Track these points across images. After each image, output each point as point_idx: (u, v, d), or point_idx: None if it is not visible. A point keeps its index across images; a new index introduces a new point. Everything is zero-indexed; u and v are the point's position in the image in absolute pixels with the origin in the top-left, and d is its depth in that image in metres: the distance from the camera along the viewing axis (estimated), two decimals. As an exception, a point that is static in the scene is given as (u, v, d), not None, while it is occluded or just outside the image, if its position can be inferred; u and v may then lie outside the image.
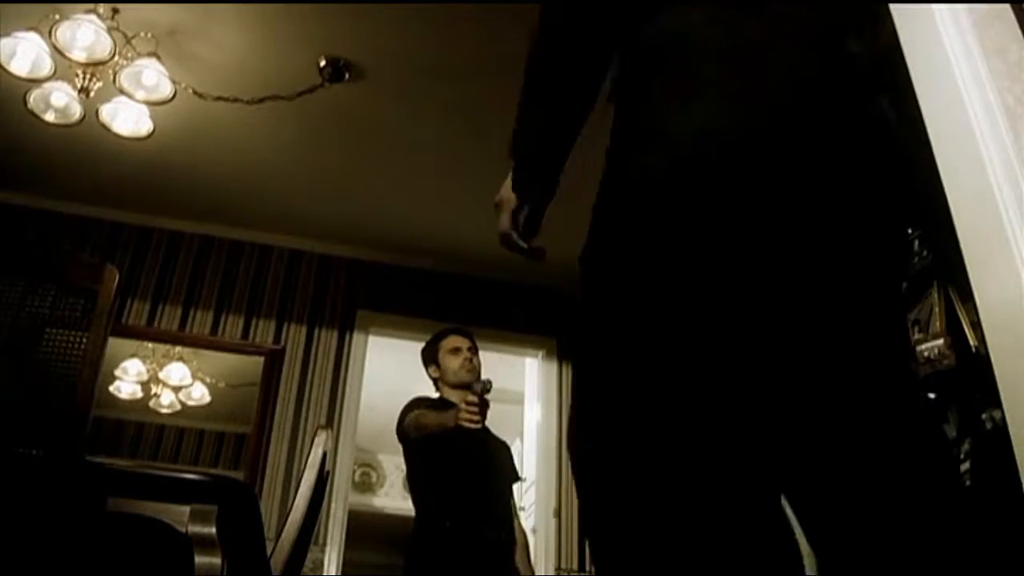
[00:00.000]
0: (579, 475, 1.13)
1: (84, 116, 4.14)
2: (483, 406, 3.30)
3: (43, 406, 2.09)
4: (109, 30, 3.86)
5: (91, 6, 3.89)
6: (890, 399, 1.09)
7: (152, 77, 4.08)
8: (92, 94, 4.06)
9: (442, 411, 3.54)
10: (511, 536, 3.64)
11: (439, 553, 3.45)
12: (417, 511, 3.65)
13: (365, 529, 8.34)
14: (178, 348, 5.87)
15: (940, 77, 2.25)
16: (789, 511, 1.12)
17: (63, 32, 3.84)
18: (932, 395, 2.96)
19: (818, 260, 1.09)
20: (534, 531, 5.26)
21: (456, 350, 3.79)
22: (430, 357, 3.85)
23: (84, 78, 4.02)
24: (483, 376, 3.68)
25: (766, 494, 1.08)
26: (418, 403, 3.73)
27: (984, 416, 2.78)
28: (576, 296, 1.21)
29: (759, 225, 1.06)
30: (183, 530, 1.50)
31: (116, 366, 5.79)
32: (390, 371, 6.94)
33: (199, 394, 6.07)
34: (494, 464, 3.74)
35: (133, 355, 5.85)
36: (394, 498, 8.92)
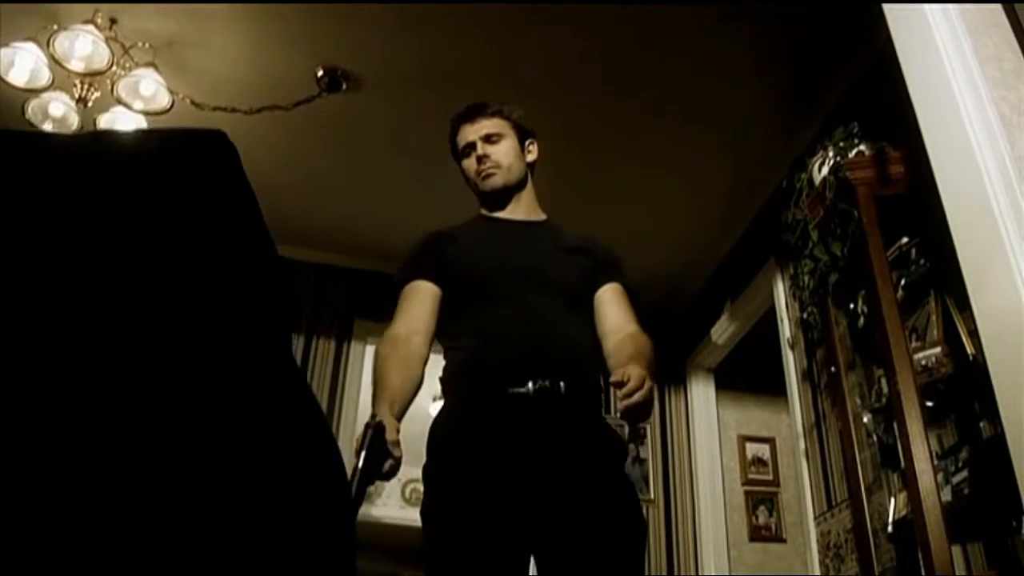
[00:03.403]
0: None
1: (82, 126, 4.14)
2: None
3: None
4: (107, 40, 3.87)
5: (89, 15, 3.90)
6: None
7: (150, 87, 4.09)
8: (90, 104, 4.07)
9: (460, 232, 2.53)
10: (577, 382, 2.23)
11: (453, 432, 2.20)
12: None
13: (363, 540, 8.33)
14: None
15: (936, 85, 2.26)
16: None
17: (61, 42, 3.85)
18: (930, 403, 2.96)
19: None
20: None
21: (466, 150, 2.54)
22: (457, 163, 2.64)
23: (82, 88, 4.03)
24: None
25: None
26: (430, 238, 2.55)
27: (981, 424, 2.79)
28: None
29: None
30: None
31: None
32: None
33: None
34: (540, 275, 2.37)
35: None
36: (392, 508, 8.90)
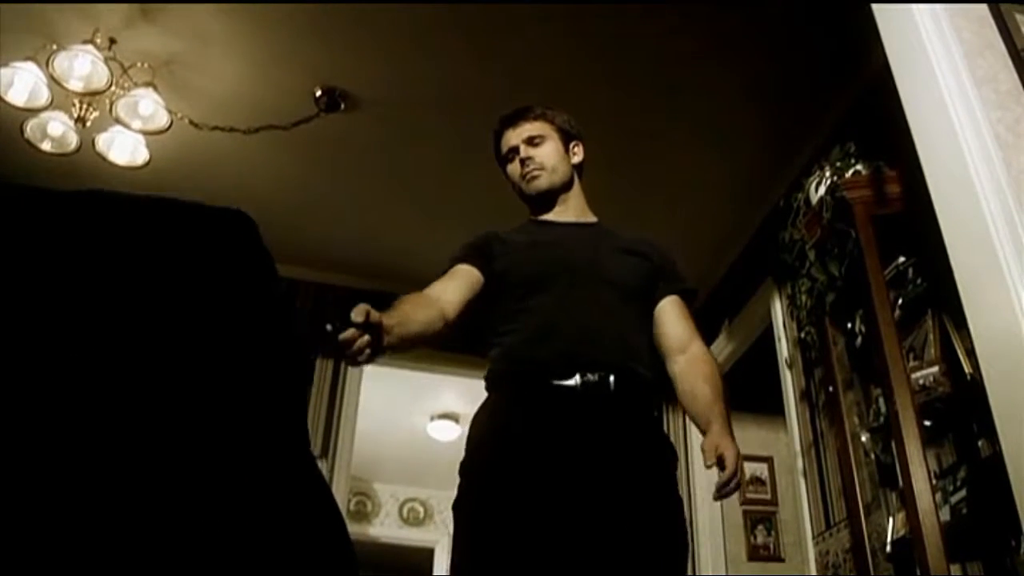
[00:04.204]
0: None
1: (80, 145, 4.15)
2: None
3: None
4: (106, 60, 3.88)
5: (89, 35, 3.92)
6: None
7: (148, 107, 4.10)
8: (89, 123, 4.07)
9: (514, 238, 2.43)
10: (629, 378, 2.12)
11: (492, 428, 2.11)
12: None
13: (360, 559, 8.29)
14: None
15: (932, 106, 2.27)
16: None
17: (60, 62, 3.85)
18: (928, 422, 2.95)
19: None
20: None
21: (509, 155, 2.49)
22: (502, 169, 2.56)
23: (81, 108, 4.04)
24: None
25: None
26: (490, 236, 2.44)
27: (980, 443, 2.78)
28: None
29: None
30: None
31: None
32: (385, 400, 6.93)
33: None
34: (591, 270, 2.28)
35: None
36: (389, 527, 8.86)
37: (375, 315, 1.75)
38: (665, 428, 2.23)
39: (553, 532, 1.89)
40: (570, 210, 2.48)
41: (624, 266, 2.33)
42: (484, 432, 2.11)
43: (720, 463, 1.96)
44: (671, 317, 2.34)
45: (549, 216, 2.47)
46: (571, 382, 2.05)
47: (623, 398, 2.09)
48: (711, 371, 2.25)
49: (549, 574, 1.87)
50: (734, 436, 2.06)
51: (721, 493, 1.96)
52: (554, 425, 2.01)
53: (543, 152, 2.45)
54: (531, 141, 2.45)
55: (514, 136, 2.47)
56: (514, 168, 2.47)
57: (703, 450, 2.02)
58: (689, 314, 2.38)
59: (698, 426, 2.15)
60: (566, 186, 2.49)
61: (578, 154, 2.55)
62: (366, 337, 1.72)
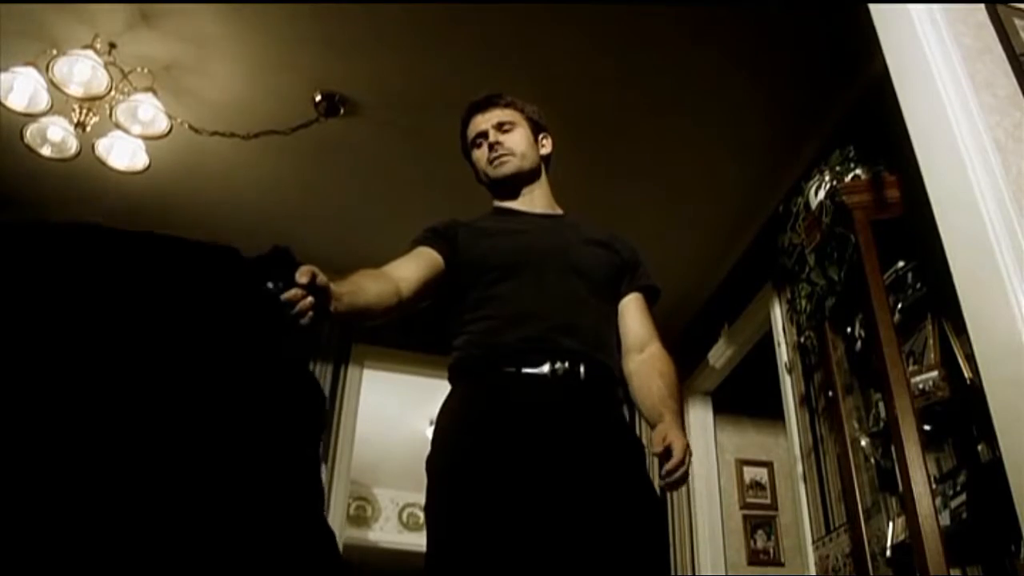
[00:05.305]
0: None
1: (80, 150, 4.15)
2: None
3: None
4: (106, 65, 3.88)
5: (89, 40, 3.92)
6: None
7: (148, 112, 4.10)
8: (88, 128, 4.07)
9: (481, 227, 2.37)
10: (598, 369, 2.08)
11: (459, 419, 2.05)
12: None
13: (360, 564, 8.28)
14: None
15: (931, 111, 2.27)
16: None
17: (60, 67, 3.86)
18: (928, 427, 2.95)
19: None
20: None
21: (477, 140, 2.44)
22: (467, 157, 2.53)
23: (81, 112, 4.04)
24: None
25: None
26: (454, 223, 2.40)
27: (979, 448, 2.78)
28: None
29: None
30: None
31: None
32: (384, 404, 6.93)
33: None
34: (560, 258, 2.23)
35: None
36: (389, 531, 8.86)
37: (322, 278, 1.72)
38: (636, 429, 2.20)
39: (526, 526, 1.82)
40: (536, 201, 2.43)
41: (592, 257, 2.29)
42: (453, 426, 2.04)
43: (667, 452, 1.94)
44: (634, 314, 2.31)
45: (515, 205, 2.42)
46: (542, 370, 2.01)
47: (593, 388, 2.05)
48: (667, 369, 2.21)
49: (527, 570, 1.79)
50: (684, 431, 2.05)
51: (667, 481, 1.95)
52: (525, 414, 1.95)
53: (512, 138, 2.40)
54: (500, 127, 2.41)
55: (483, 121, 2.42)
56: (481, 153, 2.42)
57: (651, 440, 2.00)
58: (649, 312, 2.35)
59: (648, 421, 2.11)
60: (533, 174, 2.44)
61: (546, 146, 2.51)
62: (310, 299, 1.67)
